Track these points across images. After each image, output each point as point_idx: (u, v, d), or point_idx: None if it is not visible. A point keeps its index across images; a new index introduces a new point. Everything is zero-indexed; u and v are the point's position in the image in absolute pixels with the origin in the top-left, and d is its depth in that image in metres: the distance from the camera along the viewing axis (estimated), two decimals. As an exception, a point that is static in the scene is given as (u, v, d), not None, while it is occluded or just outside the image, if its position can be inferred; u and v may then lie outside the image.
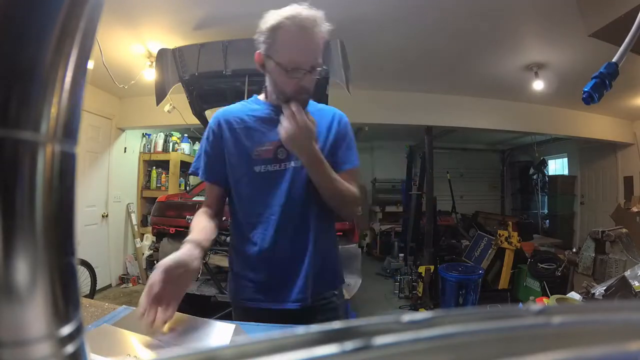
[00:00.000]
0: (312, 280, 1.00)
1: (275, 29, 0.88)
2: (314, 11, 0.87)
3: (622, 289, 1.04)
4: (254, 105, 1.07)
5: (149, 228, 4.01)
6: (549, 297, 1.24)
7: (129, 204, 4.48)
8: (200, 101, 2.99)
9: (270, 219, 0.99)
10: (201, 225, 0.99)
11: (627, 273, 1.15)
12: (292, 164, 0.98)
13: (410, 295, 3.82)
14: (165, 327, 0.72)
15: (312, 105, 1.03)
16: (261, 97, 1.09)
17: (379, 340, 0.18)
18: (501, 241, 3.83)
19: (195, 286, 2.54)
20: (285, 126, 0.87)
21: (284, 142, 0.90)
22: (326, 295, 1.05)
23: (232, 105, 1.10)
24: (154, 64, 2.78)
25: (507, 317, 0.20)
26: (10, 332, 0.18)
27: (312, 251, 1.00)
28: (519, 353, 0.18)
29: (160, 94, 2.67)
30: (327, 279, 1.06)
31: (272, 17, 0.88)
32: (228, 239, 2.59)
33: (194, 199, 3.01)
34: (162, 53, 2.60)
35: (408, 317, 0.19)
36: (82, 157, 3.76)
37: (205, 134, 1.07)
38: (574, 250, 2.72)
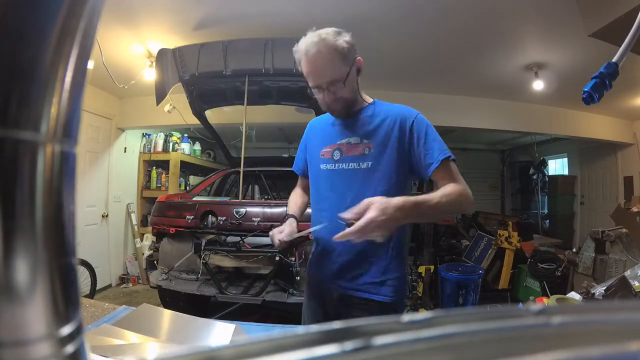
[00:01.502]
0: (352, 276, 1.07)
1: (298, 61, 1.02)
2: (320, 32, 0.97)
3: (622, 289, 1.04)
4: (328, 115, 1.18)
5: (149, 228, 4.01)
6: (549, 297, 1.24)
7: (129, 204, 4.48)
8: (200, 101, 2.99)
9: (324, 211, 1.10)
10: (295, 202, 1.27)
11: (627, 273, 1.15)
12: (344, 165, 1.08)
13: (410, 295, 3.81)
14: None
15: (377, 106, 1.12)
16: None
17: (379, 340, 0.18)
18: (501, 241, 3.83)
19: (195, 286, 2.54)
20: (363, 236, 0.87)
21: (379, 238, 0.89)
22: (364, 293, 1.07)
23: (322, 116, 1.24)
24: (154, 64, 2.78)
25: (507, 317, 0.20)
26: (10, 332, 0.18)
27: (351, 250, 1.05)
28: (519, 353, 0.18)
29: (160, 94, 2.67)
30: (367, 282, 1.07)
31: (296, 44, 1.02)
32: (228, 238, 2.60)
33: (194, 199, 3.01)
34: (162, 53, 2.60)
35: (408, 317, 0.19)
36: (82, 157, 3.77)
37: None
38: (574, 250, 2.72)
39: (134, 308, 0.94)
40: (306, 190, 1.28)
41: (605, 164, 5.39)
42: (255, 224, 2.50)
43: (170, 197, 3.04)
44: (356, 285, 1.07)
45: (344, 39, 0.98)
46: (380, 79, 3.80)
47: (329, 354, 0.17)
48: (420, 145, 1.05)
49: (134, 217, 4.49)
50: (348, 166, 1.07)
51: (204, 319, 0.86)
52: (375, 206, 0.83)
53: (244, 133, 2.95)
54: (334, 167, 1.09)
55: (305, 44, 0.97)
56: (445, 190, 0.97)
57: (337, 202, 1.04)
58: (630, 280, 1.07)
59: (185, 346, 0.62)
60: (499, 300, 3.55)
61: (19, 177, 0.18)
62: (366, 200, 0.86)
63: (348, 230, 0.86)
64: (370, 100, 1.14)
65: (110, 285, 4.22)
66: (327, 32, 0.97)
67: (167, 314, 0.88)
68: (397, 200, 0.85)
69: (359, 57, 1.04)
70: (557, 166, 6.86)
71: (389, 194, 0.91)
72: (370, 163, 1.05)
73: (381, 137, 1.05)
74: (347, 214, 0.87)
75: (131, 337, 0.72)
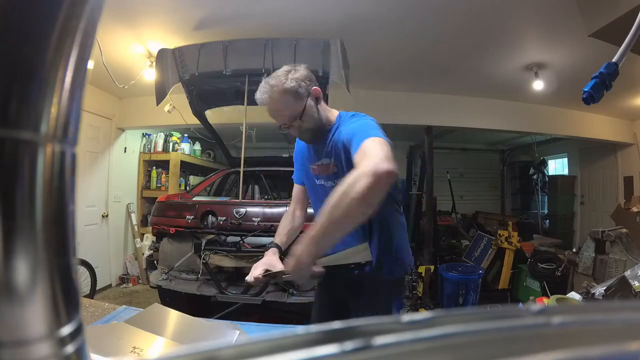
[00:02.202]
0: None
1: None
2: (269, 79, 1.07)
3: (622, 289, 1.04)
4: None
5: (149, 228, 4.01)
6: (549, 297, 1.24)
7: (129, 204, 4.48)
8: (200, 101, 2.99)
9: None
10: (283, 227, 1.31)
11: (627, 273, 1.15)
12: (324, 182, 1.17)
13: (410, 295, 3.81)
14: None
15: (340, 124, 1.14)
16: None
17: (379, 340, 0.18)
18: (501, 241, 3.83)
19: (195, 286, 2.54)
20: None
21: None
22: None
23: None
24: (154, 64, 2.78)
25: (507, 317, 0.20)
26: (10, 332, 0.18)
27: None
28: (519, 353, 0.18)
29: (160, 94, 2.67)
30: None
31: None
32: (228, 238, 2.60)
33: (194, 199, 3.01)
34: (162, 53, 2.60)
35: (408, 317, 0.19)
36: (82, 157, 3.76)
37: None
38: (574, 250, 2.72)
39: (134, 308, 0.94)
40: (301, 203, 1.36)
41: (605, 164, 5.39)
42: (255, 224, 2.50)
43: (170, 197, 3.04)
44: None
45: (293, 77, 1.05)
46: (380, 79, 3.80)
47: (329, 354, 0.17)
48: (353, 142, 0.95)
49: (134, 217, 4.49)
50: (325, 183, 1.17)
51: (204, 319, 0.86)
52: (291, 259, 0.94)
53: (244, 133, 2.95)
54: (318, 182, 1.20)
55: (260, 94, 1.07)
56: (340, 191, 0.80)
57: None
58: (630, 280, 1.07)
59: (185, 346, 0.62)
60: (499, 300, 3.55)
61: (19, 177, 0.18)
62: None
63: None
64: (333, 120, 1.16)
65: (110, 285, 4.22)
66: (277, 76, 1.05)
67: (177, 315, 0.88)
68: (301, 244, 0.90)
69: (314, 87, 1.10)
70: (557, 166, 6.86)
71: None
72: (336, 181, 1.08)
73: (338, 155, 1.09)
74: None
75: (141, 335, 0.72)
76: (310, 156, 1.21)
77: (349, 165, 0.96)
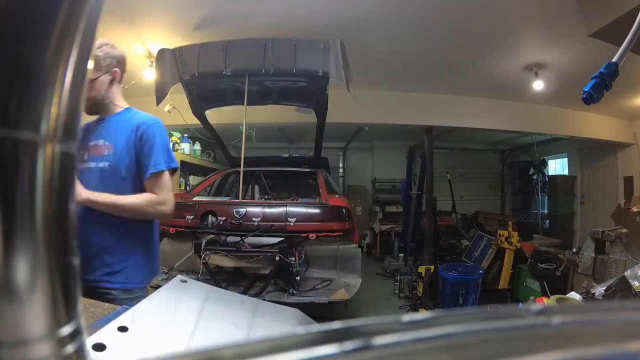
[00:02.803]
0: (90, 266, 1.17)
1: None
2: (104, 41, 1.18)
3: (622, 289, 1.04)
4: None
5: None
6: (549, 297, 1.24)
7: (129, 204, 4.48)
8: (200, 101, 2.99)
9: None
10: None
11: (627, 273, 1.15)
12: (88, 164, 1.19)
13: (410, 295, 3.81)
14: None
15: (129, 113, 1.26)
16: None
17: (379, 340, 0.18)
18: (501, 241, 3.83)
19: (195, 286, 2.54)
20: None
21: None
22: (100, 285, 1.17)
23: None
24: (154, 64, 2.78)
25: (507, 317, 0.20)
26: (10, 332, 0.18)
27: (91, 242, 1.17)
28: (519, 353, 0.18)
29: (160, 94, 2.67)
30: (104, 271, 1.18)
31: None
32: (228, 238, 2.60)
33: (194, 199, 3.01)
34: (162, 53, 2.60)
35: (408, 317, 0.19)
36: (82, 157, 3.75)
37: None
38: (574, 250, 2.72)
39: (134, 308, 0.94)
40: None
41: (605, 164, 5.39)
42: (255, 224, 2.50)
43: (170, 197, 3.04)
44: (97, 277, 1.17)
45: (107, 50, 1.18)
46: (380, 79, 3.80)
47: (329, 354, 0.17)
48: (145, 150, 1.19)
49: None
50: (90, 165, 1.19)
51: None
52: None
53: (244, 133, 2.95)
54: (82, 166, 1.20)
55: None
56: (139, 198, 1.17)
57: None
58: (630, 280, 1.07)
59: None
60: (499, 300, 3.55)
61: (19, 177, 0.18)
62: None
63: None
64: (124, 107, 1.28)
65: (110, 285, 4.22)
66: (101, 42, 1.18)
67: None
68: (91, 193, 1.08)
69: (116, 70, 1.21)
70: (557, 166, 6.86)
71: (123, 191, 1.14)
72: (106, 163, 1.18)
73: (120, 140, 1.18)
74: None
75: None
76: (87, 138, 1.23)
77: (129, 155, 1.17)
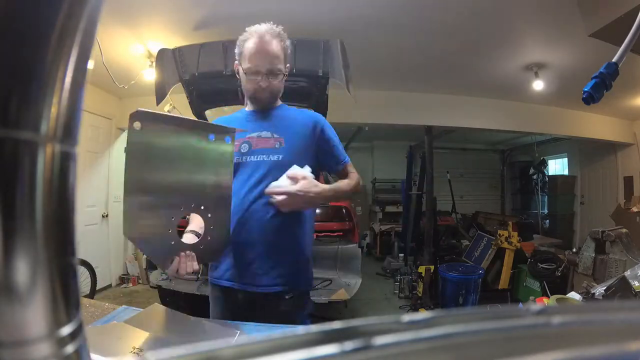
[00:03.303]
0: (264, 270, 1.10)
1: (243, 41, 1.11)
2: (275, 27, 1.11)
3: (622, 289, 1.04)
4: (237, 112, 1.29)
5: (149, 228, 3.99)
6: (549, 297, 1.24)
7: (129, 204, 4.48)
8: (200, 101, 2.99)
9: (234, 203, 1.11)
10: None
11: (627, 273, 1.15)
12: (252, 157, 1.13)
13: (410, 295, 3.81)
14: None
15: (286, 108, 1.24)
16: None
17: (379, 340, 0.18)
18: (501, 241, 3.83)
19: (195, 286, 2.54)
20: (283, 202, 1.03)
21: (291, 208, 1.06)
22: (277, 289, 1.10)
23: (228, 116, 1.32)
24: (154, 64, 2.77)
25: (507, 317, 0.20)
26: (10, 332, 0.18)
27: (264, 242, 1.10)
28: (519, 353, 0.18)
29: (160, 94, 2.67)
30: (281, 274, 1.11)
31: (244, 33, 1.12)
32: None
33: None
34: (162, 53, 2.60)
35: (408, 317, 0.19)
36: (82, 157, 3.76)
37: None
38: (574, 250, 2.72)
39: (135, 308, 0.94)
40: None
41: (605, 164, 5.39)
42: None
43: (170, 197, 3.04)
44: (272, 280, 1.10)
45: (289, 43, 1.16)
46: (380, 78, 3.80)
47: (329, 354, 0.17)
48: (331, 147, 1.21)
49: (134, 217, 4.48)
50: (257, 158, 1.13)
51: (204, 319, 0.86)
52: (308, 180, 1.02)
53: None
54: (241, 159, 1.14)
55: (264, 28, 1.08)
56: (350, 180, 1.20)
57: (245, 194, 1.11)
58: (630, 280, 1.07)
59: (185, 346, 0.62)
60: (499, 300, 3.55)
61: (19, 177, 0.18)
62: (299, 172, 1.03)
63: (284, 188, 1.01)
64: (280, 103, 1.25)
65: (110, 285, 4.22)
66: (279, 31, 1.11)
67: (177, 315, 0.88)
68: (319, 185, 1.05)
69: (289, 65, 1.19)
70: (557, 166, 6.86)
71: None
72: (280, 156, 1.13)
73: (292, 134, 1.16)
74: (281, 181, 1.03)
75: (139, 335, 0.72)
76: (248, 127, 1.18)
77: (307, 150, 1.16)
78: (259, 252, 1.09)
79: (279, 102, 1.24)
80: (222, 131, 1.00)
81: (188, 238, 0.98)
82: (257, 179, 1.10)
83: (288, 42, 1.14)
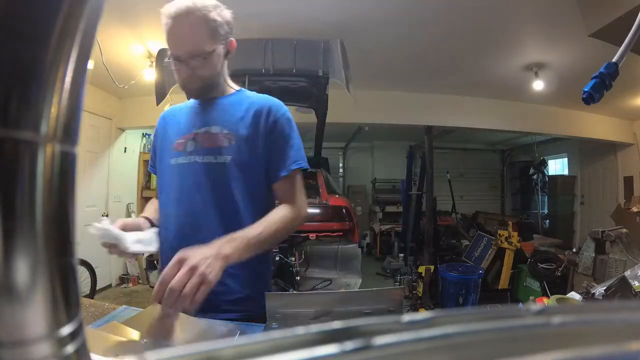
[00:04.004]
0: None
1: (164, 26, 0.88)
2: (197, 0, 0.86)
3: (622, 289, 1.04)
4: (188, 102, 1.05)
5: (149, 228, 3.99)
6: (549, 297, 1.24)
7: (129, 204, 4.48)
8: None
9: (171, 214, 0.95)
10: (153, 204, 1.07)
11: (627, 273, 1.15)
12: (199, 158, 0.93)
13: (410, 295, 3.81)
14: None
15: (243, 94, 1.01)
16: None
17: (379, 340, 0.18)
18: (501, 241, 3.83)
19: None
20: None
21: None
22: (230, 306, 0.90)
23: (179, 105, 1.09)
24: (154, 64, 2.77)
25: (507, 317, 0.20)
26: (10, 332, 0.18)
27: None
28: (519, 353, 0.18)
29: (160, 94, 2.67)
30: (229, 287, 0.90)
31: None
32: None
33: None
34: (162, 53, 2.60)
35: (408, 317, 0.19)
36: (82, 157, 3.76)
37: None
38: (574, 250, 2.72)
39: (134, 308, 0.94)
40: None
41: (605, 164, 5.39)
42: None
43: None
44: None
45: (220, 12, 0.89)
46: (380, 79, 3.80)
47: (329, 354, 0.17)
48: (277, 147, 0.94)
49: (134, 217, 4.49)
50: (203, 159, 0.92)
51: (204, 319, 0.86)
52: (190, 259, 0.71)
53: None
54: (185, 160, 0.94)
55: (176, 7, 0.85)
56: (283, 215, 0.90)
57: (187, 203, 0.91)
58: (630, 280, 1.07)
59: (185, 346, 0.61)
60: (499, 300, 3.55)
61: (19, 177, 0.18)
62: (177, 256, 0.72)
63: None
64: (236, 87, 1.03)
65: (110, 285, 4.22)
66: (203, 1, 0.87)
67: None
68: (227, 240, 0.77)
69: (232, 39, 0.95)
70: (557, 166, 6.86)
71: (248, 194, 0.89)
72: (229, 157, 0.91)
73: (245, 128, 0.93)
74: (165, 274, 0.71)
75: (134, 334, 0.72)
76: (190, 123, 0.98)
77: (256, 147, 0.92)
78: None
79: (232, 89, 1.02)
80: None
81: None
82: (204, 185, 0.91)
83: (216, 12, 0.89)
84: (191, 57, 0.88)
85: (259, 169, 0.94)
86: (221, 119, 0.95)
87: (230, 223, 0.88)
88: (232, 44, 0.96)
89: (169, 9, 0.86)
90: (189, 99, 1.02)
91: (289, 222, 0.90)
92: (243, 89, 1.04)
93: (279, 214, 0.90)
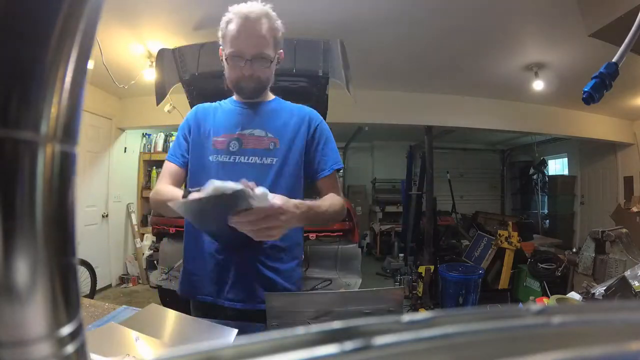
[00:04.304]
0: (248, 283, 0.98)
1: (226, 22, 0.95)
2: (263, 6, 0.95)
3: (622, 289, 1.04)
4: (225, 102, 1.12)
5: (149, 228, 4.01)
6: (549, 297, 1.24)
7: (129, 204, 4.48)
8: (200, 101, 2.99)
9: None
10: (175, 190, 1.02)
11: (627, 273, 1.15)
12: (243, 158, 0.99)
13: (410, 295, 3.81)
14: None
15: (281, 102, 1.09)
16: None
17: (379, 340, 0.18)
18: (501, 241, 3.83)
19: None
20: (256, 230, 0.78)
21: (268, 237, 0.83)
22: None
23: (212, 103, 1.14)
24: (154, 64, 2.77)
25: (507, 317, 0.20)
26: (10, 332, 0.18)
27: (251, 254, 0.98)
28: (519, 353, 0.18)
29: (160, 94, 2.67)
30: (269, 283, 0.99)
31: (226, 14, 0.96)
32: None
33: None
34: (162, 53, 2.60)
35: (408, 317, 0.19)
36: (82, 157, 3.76)
37: (182, 122, 1.12)
38: (574, 250, 2.72)
39: (134, 308, 0.94)
40: (176, 185, 1.06)
41: (605, 164, 5.39)
42: (255, 224, 2.49)
43: (170, 197, 3.04)
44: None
45: (280, 24, 0.99)
46: (380, 79, 3.80)
47: (329, 354, 0.17)
48: (319, 150, 1.05)
49: (134, 217, 4.49)
50: (248, 160, 0.99)
51: (204, 319, 0.86)
52: (278, 201, 0.78)
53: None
54: (229, 159, 1.00)
55: (248, 8, 0.92)
56: (332, 200, 0.99)
57: None
58: (630, 280, 1.07)
59: (185, 346, 0.61)
60: (499, 300, 3.55)
61: (19, 177, 0.18)
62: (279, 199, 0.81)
63: (249, 215, 0.74)
64: (273, 96, 1.10)
65: (110, 285, 4.22)
66: (267, 11, 0.95)
67: (174, 315, 0.88)
68: (295, 200, 0.85)
69: (282, 50, 1.04)
70: (557, 166, 6.86)
71: (291, 195, 0.92)
72: (274, 159, 1.00)
73: (288, 134, 1.02)
74: None
75: (136, 336, 0.72)
76: (232, 123, 1.03)
77: (300, 151, 1.03)
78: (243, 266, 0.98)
79: (271, 95, 1.09)
80: None
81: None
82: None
83: (279, 23, 0.98)
84: (258, 58, 0.95)
85: (298, 172, 1.04)
86: (266, 124, 1.03)
87: None
88: (282, 55, 1.04)
89: (242, 8, 0.93)
90: (238, 97, 1.07)
91: (340, 207, 1.01)
92: (278, 97, 1.12)
93: (336, 198, 1.01)
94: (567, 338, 0.19)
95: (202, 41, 2.63)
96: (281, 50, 1.03)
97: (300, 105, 1.10)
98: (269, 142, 1.01)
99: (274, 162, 1.00)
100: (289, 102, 1.11)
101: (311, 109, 1.10)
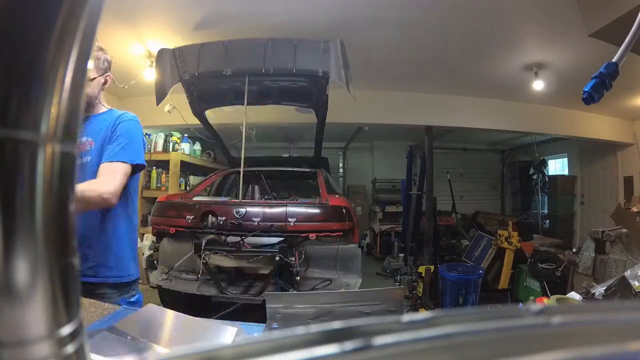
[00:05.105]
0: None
1: None
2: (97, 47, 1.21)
3: (622, 289, 1.04)
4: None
5: (149, 228, 4.00)
6: (549, 297, 1.24)
7: (129, 204, 4.47)
8: (200, 101, 2.99)
9: None
10: None
11: (627, 273, 1.15)
12: (79, 160, 1.22)
13: (410, 295, 3.81)
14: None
15: (108, 114, 1.34)
16: None
17: (379, 340, 0.18)
18: (501, 241, 3.83)
19: (195, 286, 2.54)
20: None
21: None
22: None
23: None
24: (154, 64, 2.78)
25: (507, 317, 0.20)
26: (10, 332, 0.18)
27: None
28: (519, 353, 0.18)
29: (160, 94, 2.67)
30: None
31: None
32: (228, 238, 2.60)
33: (194, 199, 3.01)
34: (162, 53, 2.60)
35: (408, 317, 0.19)
36: (82, 157, 3.75)
37: None
38: (574, 250, 2.72)
39: (134, 308, 0.94)
40: None
41: (605, 164, 5.39)
42: (255, 224, 2.50)
43: (170, 197, 3.04)
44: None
45: (103, 54, 1.34)
46: (380, 79, 3.80)
47: (329, 354, 0.17)
48: (112, 140, 1.25)
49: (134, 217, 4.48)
50: (80, 161, 1.22)
51: (204, 319, 0.86)
52: None
53: (244, 133, 2.95)
54: (82, 160, 1.25)
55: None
56: (93, 183, 1.17)
57: None
58: (630, 280, 1.07)
59: (185, 346, 0.62)
60: (499, 300, 3.55)
61: (19, 177, 0.18)
62: None
63: None
64: (106, 108, 1.37)
65: (110, 285, 4.22)
66: (99, 46, 1.30)
67: (172, 315, 0.88)
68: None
69: (108, 75, 1.36)
70: (557, 166, 6.86)
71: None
72: (89, 157, 1.23)
73: (101, 135, 1.25)
74: None
75: (134, 337, 0.72)
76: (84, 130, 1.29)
77: (104, 147, 1.24)
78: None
79: (104, 108, 1.36)
80: None
81: None
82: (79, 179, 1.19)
83: (102, 54, 1.33)
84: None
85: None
86: (88, 130, 1.27)
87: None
88: (107, 78, 1.37)
89: None
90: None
91: (86, 189, 1.15)
92: (114, 109, 1.38)
93: (96, 182, 1.18)
94: (567, 338, 0.19)
95: (202, 41, 2.64)
96: (109, 74, 1.36)
97: (128, 113, 1.37)
98: (87, 145, 1.25)
99: (87, 160, 1.23)
100: (125, 112, 1.37)
101: (133, 115, 1.37)
